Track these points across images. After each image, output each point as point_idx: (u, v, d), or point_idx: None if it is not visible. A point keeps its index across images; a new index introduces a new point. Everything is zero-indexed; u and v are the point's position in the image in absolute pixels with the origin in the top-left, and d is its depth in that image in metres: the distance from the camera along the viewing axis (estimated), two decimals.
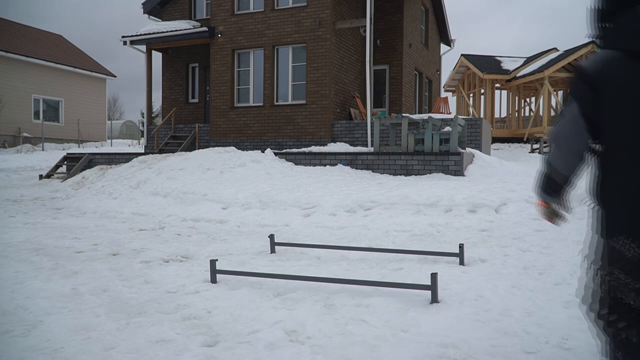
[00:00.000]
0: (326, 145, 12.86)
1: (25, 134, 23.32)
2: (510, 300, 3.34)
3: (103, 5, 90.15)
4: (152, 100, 16.43)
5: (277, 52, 14.09)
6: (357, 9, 14.62)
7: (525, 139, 19.27)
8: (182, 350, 2.66)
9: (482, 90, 21.38)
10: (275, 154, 11.05)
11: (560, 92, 21.58)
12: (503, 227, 5.85)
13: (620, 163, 1.70)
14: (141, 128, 33.36)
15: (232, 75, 14.53)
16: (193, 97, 16.75)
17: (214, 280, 3.96)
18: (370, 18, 12.79)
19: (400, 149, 10.25)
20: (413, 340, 2.75)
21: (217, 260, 4.06)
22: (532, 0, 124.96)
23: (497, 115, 22.63)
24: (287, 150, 12.59)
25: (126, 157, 13.04)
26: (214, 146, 14.31)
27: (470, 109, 22.43)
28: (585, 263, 1.94)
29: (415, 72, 17.47)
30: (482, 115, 20.94)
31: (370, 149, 11.49)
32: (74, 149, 22.56)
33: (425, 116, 11.53)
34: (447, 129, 9.96)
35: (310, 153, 10.85)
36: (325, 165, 10.50)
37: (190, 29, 14.63)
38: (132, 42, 15.64)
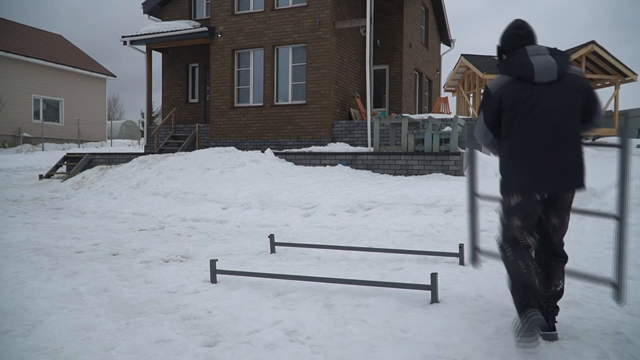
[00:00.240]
0: (326, 145, 12.86)
1: (25, 134, 23.32)
2: (510, 300, 3.33)
3: (103, 5, 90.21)
4: (152, 100, 16.43)
5: (277, 52, 14.09)
6: (357, 9, 14.62)
7: None
8: (182, 350, 2.66)
9: (482, 90, 21.39)
10: (275, 154, 11.05)
11: None
12: None
13: (505, 147, 2.75)
14: (141, 128, 33.35)
15: (232, 75, 14.53)
16: (193, 97, 16.75)
17: (214, 280, 3.96)
18: (370, 18, 12.79)
19: (400, 149, 10.25)
20: (413, 340, 2.75)
21: (217, 260, 4.06)
22: (533, 2, 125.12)
23: None
24: (287, 150, 12.60)
25: (126, 157, 13.04)
26: (214, 146, 14.31)
27: (470, 109, 22.44)
28: (497, 215, 2.89)
29: (415, 72, 17.47)
30: None
31: (370, 149, 11.49)
32: (74, 149, 22.56)
33: (425, 116, 11.53)
34: (447, 129, 9.96)
35: (310, 153, 10.85)
36: (325, 165, 10.50)
37: (190, 29, 14.63)
38: (132, 42, 15.64)
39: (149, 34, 15.14)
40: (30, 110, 23.94)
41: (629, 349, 2.58)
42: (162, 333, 2.87)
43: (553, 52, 2.71)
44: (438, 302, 3.31)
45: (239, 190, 8.40)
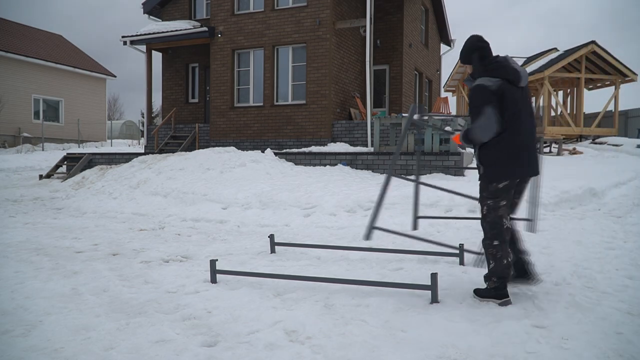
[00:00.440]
0: (326, 145, 12.86)
1: (25, 134, 23.32)
2: (511, 300, 3.34)
3: (103, 5, 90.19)
4: (152, 100, 16.43)
5: (277, 52, 14.09)
6: (357, 9, 14.62)
7: None
8: (182, 350, 2.66)
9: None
10: (275, 154, 11.05)
11: (561, 92, 21.57)
12: None
13: (505, 140, 3.25)
14: (141, 128, 33.35)
15: (232, 75, 14.53)
16: (193, 97, 16.76)
17: (214, 280, 3.96)
18: (370, 18, 12.79)
19: (400, 149, 10.24)
20: (413, 340, 2.75)
21: (217, 260, 4.06)
22: (535, 3, 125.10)
23: None
24: (287, 150, 12.60)
25: (126, 157, 13.04)
26: (214, 146, 14.31)
27: None
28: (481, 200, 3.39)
29: (415, 72, 17.47)
30: None
31: (370, 149, 11.49)
32: (74, 149, 22.55)
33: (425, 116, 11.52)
34: (448, 129, 9.96)
35: (310, 153, 10.85)
36: (325, 165, 10.50)
37: (190, 29, 14.64)
38: (132, 42, 15.64)
39: (149, 34, 15.14)
40: (30, 110, 23.94)
41: (629, 349, 2.58)
42: (162, 333, 2.87)
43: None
44: (438, 302, 3.31)
45: (239, 190, 8.40)
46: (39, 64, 23.95)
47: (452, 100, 26.22)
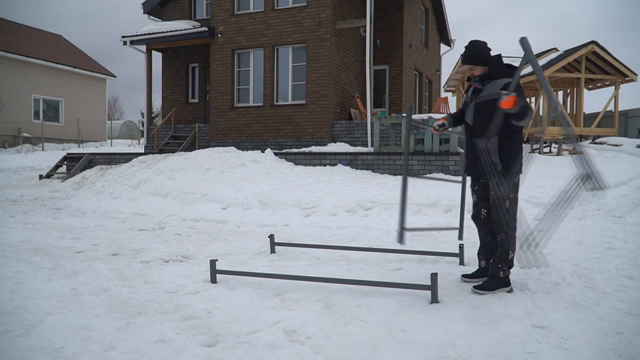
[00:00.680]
0: (326, 145, 12.86)
1: (25, 134, 23.32)
2: (510, 300, 3.34)
3: (103, 5, 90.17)
4: (152, 100, 16.43)
5: (277, 52, 14.09)
6: (357, 9, 14.62)
7: (525, 139, 19.27)
8: (182, 350, 2.66)
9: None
10: (275, 154, 11.05)
11: (561, 92, 21.56)
12: None
13: (517, 137, 3.59)
14: (141, 128, 33.36)
15: (232, 75, 14.53)
16: (193, 97, 16.75)
17: (213, 280, 3.96)
18: (370, 18, 12.79)
19: (400, 149, 10.25)
20: (413, 340, 2.75)
21: (217, 260, 4.06)
22: (537, 4, 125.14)
23: None
24: (287, 150, 12.60)
25: (126, 157, 13.04)
26: (214, 146, 14.31)
27: None
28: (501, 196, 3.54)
29: (415, 72, 17.47)
30: None
31: (370, 149, 11.49)
32: (74, 149, 22.56)
33: (425, 116, 11.53)
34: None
35: (310, 153, 10.85)
36: (325, 165, 10.50)
37: (190, 29, 14.63)
38: (132, 42, 15.64)
39: (149, 34, 15.14)
40: (30, 110, 23.94)
41: (629, 349, 2.58)
42: (162, 333, 2.87)
43: None
44: (438, 302, 3.31)
45: (239, 190, 8.40)
46: (39, 64, 23.95)
47: (452, 100, 26.21)
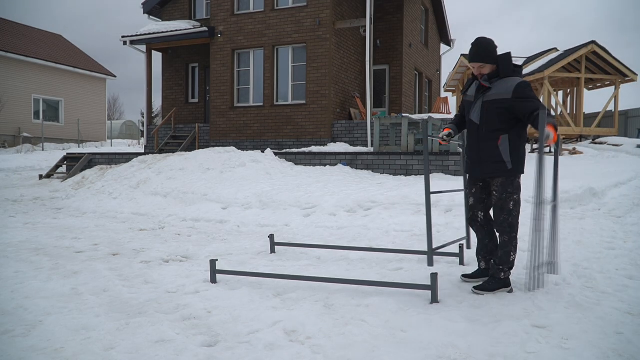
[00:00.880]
0: (326, 145, 12.86)
1: (25, 134, 23.32)
2: (510, 300, 3.34)
3: (104, 6, 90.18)
4: (152, 100, 16.43)
5: (277, 52, 14.09)
6: (357, 9, 14.62)
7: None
8: (182, 350, 2.66)
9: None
10: (275, 154, 11.05)
11: (561, 92, 21.56)
12: None
13: (524, 137, 3.60)
14: (141, 128, 33.36)
15: (232, 75, 14.53)
16: (193, 97, 16.76)
17: (214, 280, 3.96)
18: (370, 18, 12.79)
19: (400, 149, 10.25)
20: (413, 340, 2.75)
21: (217, 260, 4.06)
22: (539, 5, 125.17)
23: None
24: (287, 150, 12.60)
25: (126, 157, 13.04)
26: (214, 146, 14.31)
27: None
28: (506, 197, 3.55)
29: (415, 72, 17.47)
30: None
31: (370, 149, 11.49)
32: (74, 149, 22.56)
33: (425, 116, 11.53)
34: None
35: (310, 153, 10.85)
36: (325, 165, 10.50)
37: (190, 29, 14.64)
38: (132, 42, 15.64)
39: (149, 34, 15.14)
40: (30, 110, 23.94)
41: (629, 349, 2.58)
42: (162, 333, 2.87)
43: None
44: (438, 302, 3.31)
45: (239, 190, 8.40)
46: (39, 64, 23.95)
47: (452, 100, 26.21)
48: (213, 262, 4.01)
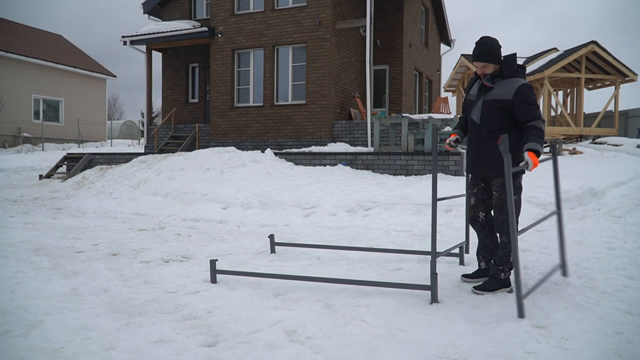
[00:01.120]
0: (326, 145, 12.86)
1: (25, 134, 23.32)
2: (510, 300, 3.34)
3: (103, 6, 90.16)
4: (152, 101, 16.43)
5: (277, 52, 14.09)
6: (357, 9, 14.62)
7: None
8: (182, 350, 2.66)
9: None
10: (275, 154, 11.05)
11: (561, 92, 21.56)
12: None
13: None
14: (141, 128, 33.37)
15: (232, 75, 14.53)
16: (193, 97, 16.76)
17: (214, 280, 3.96)
18: (370, 18, 12.79)
19: (400, 149, 10.25)
20: (413, 340, 2.75)
21: (217, 260, 4.06)
22: (541, 6, 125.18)
23: None
24: (287, 150, 12.60)
25: (126, 157, 13.04)
26: (214, 146, 14.31)
27: None
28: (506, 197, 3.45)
29: (415, 72, 17.47)
30: None
31: (370, 149, 11.49)
32: (74, 149, 22.56)
33: (425, 116, 11.53)
34: (447, 129, 9.96)
35: (310, 153, 10.85)
36: (325, 165, 10.50)
37: (190, 29, 14.64)
38: (132, 42, 15.64)
39: (149, 34, 15.14)
40: (30, 110, 23.94)
41: (629, 349, 2.58)
42: (162, 333, 2.87)
43: None
44: (438, 302, 3.31)
45: (239, 190, 8.40)
46: (39, 64, 23.95)
47: (452, 100, 26.22)
48: (213, 262, 4.01)
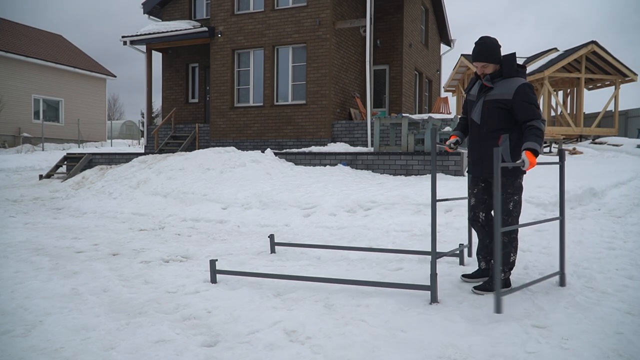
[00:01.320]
0: (326, 145, 12.86)
1: (25, 134, 23.32)
2: (510, 300, 3.34)
3: (103, 7, 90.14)
4: (152, 101, 16.43)
5: (277, 52, 14.09)
6: (357, 9, 14.62)
7: None
8: (182, 350, 2.66)
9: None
10: (275, 154, 11.05)
11: (561, 92, 21.56)
12: None
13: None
14: (141, 128, 33.37)
15: (232, 75, 14.53)
16: (193, 97, 16.76)
17: (214, 280, 3.96)
18: (370, 18, 12.79)
19: (400, 149, 10.25)
20: (413, 340, 2.75)
21: (217, 260, 4.06)
22: (542, 6, 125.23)
23: None
24: (287, 150, 12.60)
25: (126, 157, 13.04)
26: (214, 146, 14.31)
27: None
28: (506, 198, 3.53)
29: (415, 72, 17.47)
30: None
31: (370, 149, 11.49)
32: (74, 149, 22.56)
33: (425, 116, 11.53)
34: (447, 129, 9.96)
35: (310, 153, 10.85)
36: (325, 165, 10.50)
37: (190, 29, 14.63)
38: (132, 42, 15.64)
39: (149, 34, 15.14)
40: (30, 110, 23.94)
41: (629, 349, 2.58)
42: (162, 333, 2.87)
43: None
44: (438, 303, 3.31)
45: (239, 190, 8.40)
46: (39, 64, 23.95)
47: (452, 100, 26.23)
48: (213, 262, 4.01)
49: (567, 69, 18.79)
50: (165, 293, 3.70)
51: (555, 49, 21.16)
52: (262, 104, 14.23)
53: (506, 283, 3.55)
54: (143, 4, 16.63)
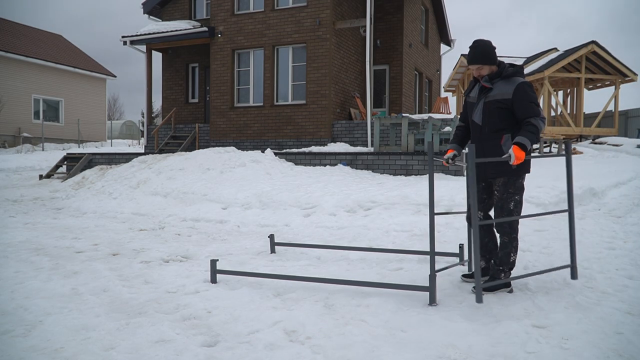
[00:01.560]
0: (326, 145, 12.85)
1: (25, 134, 23.32)
2: (510, 300, 3.34)
3: (103, 5, 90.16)
4: (152, 101, 16.43)
5: (277, 52, 14.09)
6: (357, 9, 14.62)
7: None
8: (182, 350, 2.66)
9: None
10: (275, 154, 11.05)
11: (561, 92, 21.55)
12: None
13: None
14: (141, 128, 33.36)
15: (232, 75, 14.53)
16: (193, 97, 16.76)
17: (214, 280, 3.96)
18: (370, 18, 12.79)
19: (400, 149, 10.25)
20: (413, 340, 2.75)
21: (217, 260, 4.06)
22: (543, 7, 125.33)
23: None
24: (287, 150, 12.60)
25: (126, 157, 13.04)
26: (214, 146, 14.31)
27: None
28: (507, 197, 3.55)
29: (415, 72, 17.47)
30: None
31: (370, 149, 11.49)
32: (74, 149, 22.55)
33: (425, 116, 11.53)
34: (447, 129, 9.96)
35: (310, 153, 10.85)
36: (325, 165, 10.50)
37: (190, 29, 14.63)
38: (132, 42, 15.64)
39: (149, 34, 15.14)
40: (30, 110, 23.94)
41: (629, 349, 2.58)
42: (162, 333, 2.87)
43: None
44: (437, 303, 3.31)
45: (239, 190, 8.40)
46: (39, 64, 23.94)
47: (452, 100, 26.22)
48: (213, 262, 4.01)
49: (567, 69, 18.79)
50: (165, 293, 3.70)
51: (555, 49, 21.16)
52: (262, 104, 14.23)
53: (506, 283, 3.54)
54: (143, 4, 16.63)
